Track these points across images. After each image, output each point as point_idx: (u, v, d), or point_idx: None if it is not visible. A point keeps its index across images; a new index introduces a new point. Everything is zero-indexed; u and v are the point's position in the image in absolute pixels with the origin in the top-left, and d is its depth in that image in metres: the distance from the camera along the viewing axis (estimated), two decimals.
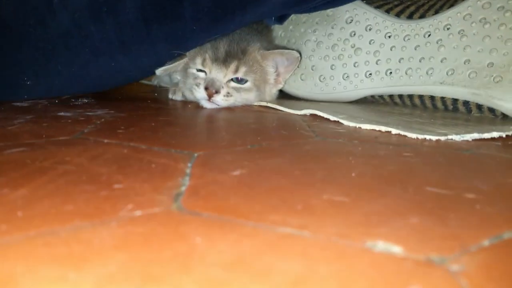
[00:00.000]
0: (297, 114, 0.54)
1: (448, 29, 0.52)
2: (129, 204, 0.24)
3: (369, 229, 0.20)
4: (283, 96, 0.67)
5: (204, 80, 0.58)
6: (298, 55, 0.58)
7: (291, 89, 0.64)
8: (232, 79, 0.58)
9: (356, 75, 0.58)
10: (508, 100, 0.47)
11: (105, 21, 0.51)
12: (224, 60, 0.58)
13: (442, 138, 0.40)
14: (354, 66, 0.58)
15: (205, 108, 0.59)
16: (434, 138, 0.40)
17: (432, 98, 0.55)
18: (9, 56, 0.55)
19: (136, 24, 0.52)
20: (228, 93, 0.58)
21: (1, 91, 0.60)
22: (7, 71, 0.57)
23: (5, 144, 0.36)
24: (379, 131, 0.44)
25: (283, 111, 0.57)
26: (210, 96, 0.57)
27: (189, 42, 0.56)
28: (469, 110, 0.53)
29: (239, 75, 0.58)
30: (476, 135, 0.40)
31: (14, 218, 0.22)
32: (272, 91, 0.63)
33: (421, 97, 0.56)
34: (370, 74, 0.58)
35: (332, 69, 0.60)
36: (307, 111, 0.53)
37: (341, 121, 0.48)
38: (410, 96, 0.57)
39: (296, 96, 0.65)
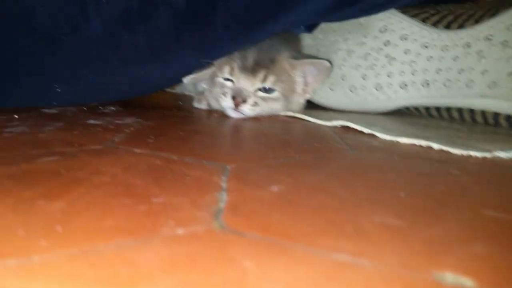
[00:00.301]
0: (327, 126, 0.53)
1: (489, 39, 0.50)
2: (170, 221, 0.23)
3: (433, 258, 0.18)
4: (311, 106, 0.65)
5: (231, 90, 0.57)
6: (329, 65, 0.57)
7: (320, 99, 0.63)
8: (260, 89, 0.57)
9: (390, 86, 0.57)
10: None
11: (137, 29, 0.51)
12: (252, 69, 0.57)
13: (488, 155, 0.38)
14: (388, 76, 0.57)
15: (231, 118, 0.58)
16: (479, 155, 0.38)
17: (471, 111, 0.53)
18: (42, 63, 0.55)
19: (167, 32, 0.52)
20: (255, 102, 0.57)
21: (31, 97, 0.60)
22: (39, 77, 0.57)
23: (38, 152, 0.36)
24: (419, 146, 0.43)
25: (311, 121, 0.55)
26: (237, 106, 0.56)
27: (218, 50, 0.56)
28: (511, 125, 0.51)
29: (267, 84, 0.57)
30: None
31: (53, 233, 0.21)
32: (299, 101, 0.62)
33: (459, 110, 0.54)
34: (406, 84, 0.56)
35: (364, 79, 0.58)
36: (338, 123, 0.52)
37: (376, 134, 0.47)
38: (448, 109, 0.55)
39: (324, 107, 0.64)
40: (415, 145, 0.43)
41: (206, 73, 0.60)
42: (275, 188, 0.28)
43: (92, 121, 0.52)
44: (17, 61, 0.54)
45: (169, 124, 0.53)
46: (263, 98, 0.58)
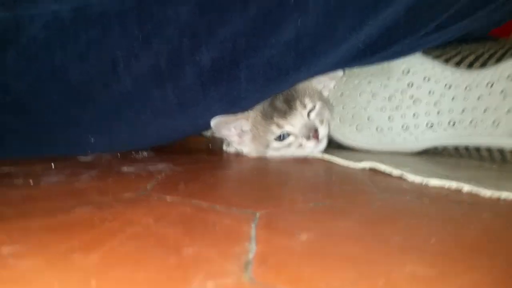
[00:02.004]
0: (356, 168, 0.53)
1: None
2: (200, 273, 0.23)
3: None
4: (338, 146, 0.66)
5: (300, 137, 0.60)
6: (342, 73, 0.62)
7: (347, 140, 0.63)
8: (308, 113, 0.61)
9: (417, 126, 0.57)
10: None
11: (165, 86, 0.53)
12: (289, 107, 0.60)
13: None
14: (414, 117, 0.57)
15: (260, 160, 0.60)
16: (511, 196, 0.38)
17: (501, 150, 0.52)
18: (75, 117, 0.58)
19: (194, 88, 0.54)
20: (320, 121, 0.61)
21: (66, 147, 0.63)
22: (72, 129, 0.60)
23: (74, 203, 0.37)
24: (448, 188, 0.42)
25: (340, 163, 0.56)
26: (316, 137, 0.59)
27: (243, 102, 0.58)
28: None
29: (309, 106, 0.60)
30: None
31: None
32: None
33: (489, 149, 0.53)
34: (432, 125, 0.56)
35: (389, 120, 0.59)
36: (367, 164, 0.52)
37: (405, 174, 0.46)
38: (477, 149, 0.55)
39: (352, 148, 0.64)
40: (445, 187, 0.42)
41: (232, 119, 0.61)
42: (304, 237, 0.29)
43: (125, 169, 0.54)
44: (51, 115, 0.57)
45: (199, 169, 0.54)
46: (318, 114, 0.61)
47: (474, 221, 0.31)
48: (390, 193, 0.41)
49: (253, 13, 0.48)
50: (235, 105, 0.58)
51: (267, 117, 0.61)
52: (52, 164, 0.57)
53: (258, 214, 0.34)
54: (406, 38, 0.52)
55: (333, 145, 0.65)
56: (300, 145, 0.60)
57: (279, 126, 0.60)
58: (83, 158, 0.64)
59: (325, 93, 0.66)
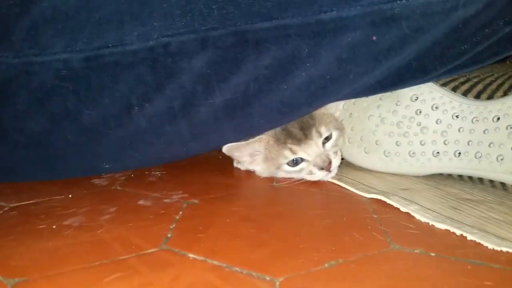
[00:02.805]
0: (365, 197, 0.55)
1: None
2: None
3: None
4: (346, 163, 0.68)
5: (312, 166, 0.62)
6: None
7: (355, 160, 0.65)
8: (323, 143, 0.62)
9: (423, 154, 0.58)
10: None
11: (179, 122, 0.54)
12: (305, 136, 0.61)
13: None
14: (421, 144, 0.58)
15: (270, 190, 0.61)
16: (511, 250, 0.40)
17: (503, 184, 0.54)
18: (89, 150, 0.59)
19: (207, 123, 0.55)
20: (334, 152, 0.62)
21: (80, 173, 0.65)
22: (87, 160, 0.62)
23: (102, 267, 0.40)
24: (454, 233, 0.45)
25: (349, 190, 0.58)
26: (329, 170, 0.61)
27: (256, 131, 0.61)
28: None
29: (324, 135, 0.62)
30: None
31: None
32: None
33: (492, 181, 0.55)
34: (438, 153, 0.57)
35: (397, 145, 0.60)
36: (375, 196, 0.54)
37: (412, 214, 0.49)
38: (481, 179, 0.57)
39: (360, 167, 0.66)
40: (449, 231, 0.45)
41: (243, 144, 0.62)
42: None
43: (142, 202, 0.56)
44: (65, 149, 0.59)
45: (214, 204, 0.55)
46: (333, 146, 0.63)
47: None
48: (399, 242, 0.43)
49: (267, 63, 0.48)
50: (247, 134, 0.60)
51: (280, 141, 0.62)
52: (70, 195, 0.59)
53: (277, 284, 0.36)
54: (417, 78, 0.53)
55: (343, 161, 0.67)
56: (311, 172, 0.62)
57: (292, 151, 0.61)
58: (97, 181, 0.66)
59: (337, 114, 0.66)
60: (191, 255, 0.42)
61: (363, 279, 0.37)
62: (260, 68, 0.49)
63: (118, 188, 0.62)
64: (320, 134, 0.61)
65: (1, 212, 0.54)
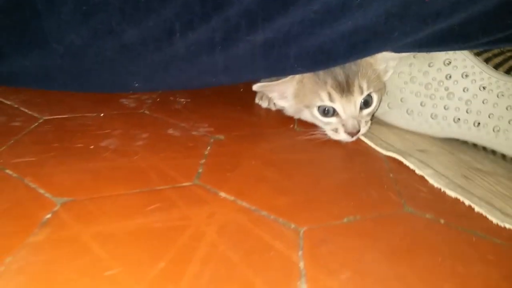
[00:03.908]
0: (383, 154, 0.58)
1: None
2: None
3: None
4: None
5: (341, 125, 0.58)
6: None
7: (377, 113, 0.67)
8: (361, 106, 0.58)
9: (445, 118, 0.60)
10: None
11: (216, 54, 0.55)
12: (347, 86, 0.56)
13: None
14: (444, 108, 0.60)
15: (296, 133, 0.63)
16: None
17: None
18: (124, 68, 0.60)
19: (243, 58, 0.56)
20: (366, 121, 0.59)
21: (110, 88, 0.67)
22: (119, 76, 0.63)
23: (145, 195, 0.43)
24: (463, 202, 0.49)
25: (369, 145, 0.61)
26: (353, 135, 0.58)
27: (288, 73, 0.59)
28: None
29: (365, 93, 0.58)
30: None
31: None
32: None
33: (504, 155, 0.58)
34: (459, 119, 0.59)
35: (422, 106, 0.62)
36: (392, 155, 0.57)
37: (426, 177, 0.52)
38: (493, 151, 0.59)
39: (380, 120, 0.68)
40: (459, 200, 0.49)
41: (274, 84, 0.62)
42: (344, 276, 0.36)
43: (171, 132, 0.59)
44: (100, 64, 0.60)
45: (239, 145, 0.57)
46: (368, 114, 0.60)
47: (478, 264, 0.39)
48: (412, 205, 0.47)
49: (316, 8, 0.48)
50: (279, 74, 0.60)
51: (320, 78, 0.58)
52: (101, 114, 0.61)
53: (301, 233, 0.41)
54: (457, 43, 0.53)
55: None
56: (336, 131, 0.59)
57: (330, 98, 0.57)
58: (125, 101, 0.68)
59: (385, 77, 0.62)
60: (222, 194, 0.45)
61: (378, 238, 0.41)
62: (308, 12, 0.49)
63: (146, 112, 0.64)
64: (361, 90, 0.57)
65: (36, 124, 0.56)
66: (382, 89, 0.62)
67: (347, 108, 0.58)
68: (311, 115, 0.62)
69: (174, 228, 0.39)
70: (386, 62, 0.61)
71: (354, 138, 0.59)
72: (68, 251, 0.35)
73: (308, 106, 0.61)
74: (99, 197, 0.43)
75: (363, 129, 0.59)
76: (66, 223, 0.38)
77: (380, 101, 0.62)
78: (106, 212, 0.40)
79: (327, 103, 0.58)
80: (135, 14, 0.52)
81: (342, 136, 0.59)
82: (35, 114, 0.59)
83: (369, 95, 0.58)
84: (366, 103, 0.59)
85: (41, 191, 0.42)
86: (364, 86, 0.57)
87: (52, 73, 0.62)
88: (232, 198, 0.45)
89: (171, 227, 0.39)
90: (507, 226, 0.45)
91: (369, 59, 0.58)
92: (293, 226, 0.42)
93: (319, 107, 0.59)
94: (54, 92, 0.66)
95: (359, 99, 0.58)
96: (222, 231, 0.39)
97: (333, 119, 0.59)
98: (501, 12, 0.48)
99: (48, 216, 0.39)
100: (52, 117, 0.59)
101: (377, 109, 0.63)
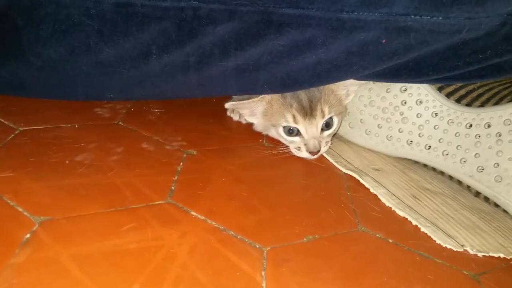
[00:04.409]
0: (342, 171, 0.63)
1: (488, 127, 0.58)
2: None
3: None
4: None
5: (303, 144, 0.64)
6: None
7: (340, 132, 0.72)
8: (322, 128, 0.64)
9: (399, 140, 0.66)
10: None
11: (190, 74, 0.58)
12: (310, 109, 0.62)
13: (460, 249, 0.50)
14: (399, 131, 0.65)
15: (264, 148, 0.67)
16: (454, 248, 0.50)
17: (459, 181, 0.63)
18: (99, 81, 0.62)
19: (216, 78, 0.59)
20: (326, 142, 0.65)
21: (84, 98, 0.69)
22: (94, 89, 0.65)
23: (120, 214, 0.46)
24: (410, 222, 0.54)
25: (330, 162, 0.66)
26: (315, 154, 0.64)
27: (257, 93, 0.65)
28: (488, 203, 0.62)
29: (327, 117, 0.63)
30: (486, 254, 0.50)
31: None
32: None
33: (451, 177, 0.64)
34: (412, 142, 0.65)
35: (378, 127, 0.67)
36: (350, 173, 0.62)
37: (379, 197, 0.58)
38: (442, 172, 0.65)
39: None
40: (407, 220, 0.54)
41: (245, 103, 0.67)
42: None
43: (145, 146, 0.61)
44: (76, 77, 0.61)
45: (211, 160, 0.61)
46: (328, 135, 0.66)
47: (420, 283, 0.44)
48: (366, 224, 0.52)
49: (284, 43, 0.52)
50: (250, 93, 0.65)
51: (286, 100, 0.63)
52: (76, 125, 0.63)
53: (265, 253, 0.45)
54: (409, 77, 0.58)
55: None
56: (299, 149, 0.64)
57: (295, 120, 0.63)
58: (99, 111, 0.70)
59: (346, 101, 0.68)
60: (193, 213, 0.49)
61: (333, 258, 0.46)
62: (276, 46, 0.53)
63: (121, 123, 0.66)
64: (323, 115, 0.62)
65: (12, 136, 0.58)
66: (343, 112, 0.68)
67: (309, 129, 0.63)
68: (277, 133, 0.67)
69: (148, 249, 0.42)
70: (347, 88, 0.67)
71: (315, 157, 0.64)
72: (48, 273, 0.38)
73: (274, 125, 0.66)
74: (76, 216, 0.45)
75: (323, 149, 0.64)
76: (45, 244, 0.41)
77: (340, 123, 0.68)
78: (83, 232, 0.43)
79: (291, 124, 0.64)
80: (113, 36, 0.54)
81: (304, 155, 0.64)
82: (11, 125, 0.60)
83: (330, 118, 0.64)
84: (328, 125, 0.65)
85: (20, 209, 0.45)
86: (326, 110, 0.63)
87: (28, 83, 0.63)
88: (202, 217, 0.49)
89: (144, 248, 0.42)
90: (448, 246, 0.50)
91: (331, 86, 0.64)
92: (258, 246, 0.46)
93: (284, 127, 0.65)
94: (28, 100, 0.67)
95: (320, 122, 0.63)
96: (193, 251, 0.43)
97: (296, 139, 0.65)
98: (449, 55, 0.53)
99: (28, 236, 0.41)
100: (27, 127, 0.60)
101: (337, 130, 0.68)
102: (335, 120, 0.65)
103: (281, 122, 0.64)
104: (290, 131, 0.64)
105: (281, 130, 0.65)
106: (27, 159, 0.54)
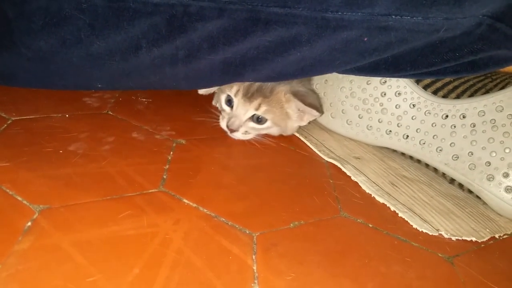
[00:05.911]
0: (325, 159, 0.67)
1: (463, 118, 0.62)
2: None
3: None
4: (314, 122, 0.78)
5: (227, 116, 0.69)
6: (318, 114, 0.68)
7: (322, 121, 0.75)
8: (252, 118, 0.68)
9: (378, 130, 0.69)
10: (494, 199, 0.61)
11: (179, 67, 0.60)
12: (251, 96, 0.67)
13: (435, 233, 0.54)
14: (378, 121, 0.69)
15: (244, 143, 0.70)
16: (429, 233, 0.54)
17: (435, 169, 0.67)
18: (88, 72, 0.63)
19: (203, 71, 0.61)
20: (246, 131, 0.69)
21: (74, 87, 0.70)
22: (83, 79, 0.66)
23: (116, 202, 0.48)
24: (389, 208, 0.58)
25: (312, 149, 0.69)
26: (230, 132, 0.69)
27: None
28: (462, 190, 0.66)
29: (259, 113, 0.68)
30: (459, 237, 0.54)
31: None
32: (293, 125, 0.73)
33: (427, 165, 0.69)
34: (390, 131, 0.69)
35: (359, 118, 0.70)
36: (333, 161, 0.66)
37: (360, 184, 0.61)
38: (419, 160, 0.70)
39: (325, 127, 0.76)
40: (386, 205, 0.58)
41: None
42: (289, 278, 0.44)
43: (135, 135, 0.63)
44: (67, 67, 0.62)
45: (200, 149, 0.64)
46: (253, 128, 0.69)
47: (399, 266, 0.48)
48: (348, 210, 0.56)
49: (270, 39, 0.54)
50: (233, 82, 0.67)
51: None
52: (66, 115, 0.65)
53: (255, 238, 0.48)
54: (388, 72, 0.61)
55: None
56: (223, 118, 0.71)
57: (236, 94, 0.68)
58: (88, 100, 0.71)
59: (293, 122, 0.71)
60: (185, 201, 0.51)
61: (318, 242, 0.50)
62: (263, 42, 0.55)
63: (110, 113, 0.68)
64: (257, 108, 0.67)
65: (5, 126, 0.59)
66: (282, 125, 0.71)
67: (240, 108, 0.68)
68: (220, 101, 0.72)
69: (145, 235, 0.45)
70: (304, 115, 0.70)
71: (230, 135, 0.69)
72: (52, 259, 0.40)
73: (223, 92, 0.71)
74: (74, 204, 0.47)
75: (241, 135, 0.69)
76: (46, 231, 0.43)
77: (275, 132, 0.72)
78: (81, 220, 0.45)
79: (232, 94, 0.69)
80: (104, 30, 0.55)
81: (222, 124, 0.70)
82: (3, 114, 0.61)
83: (264, 119, 0.68)
84: (259, 121, 0.69)
85: (19, 198, 0.46)
86: (262, 108, 0.67)
87: (18, 73, 0.64)
88: (194, 205, 0.51)
89: (141, 235, 0.45)
90: (424, 231, 0.54)
91: (282, 97, 0.68)
92: (247, 231, 0.49)
93: (228, 95, 0.70)
94: (17, 89, 0.68)
95: (251, 111, 0.68)
96: (187, 237, 0.46)
97: (228, 109, 0.70)
98: (427, 52, 0.56)
99: (29, 224, 0.43)
100: (19, 117, 0.61)
101: (264, 132, 0.71)
102: (268, 124, 0.69)
103: (227, 90, 0.69)
104: (228, 102, 0.70)
105: (223, 97, 0.70)
106: (21, 149, 0.55)
